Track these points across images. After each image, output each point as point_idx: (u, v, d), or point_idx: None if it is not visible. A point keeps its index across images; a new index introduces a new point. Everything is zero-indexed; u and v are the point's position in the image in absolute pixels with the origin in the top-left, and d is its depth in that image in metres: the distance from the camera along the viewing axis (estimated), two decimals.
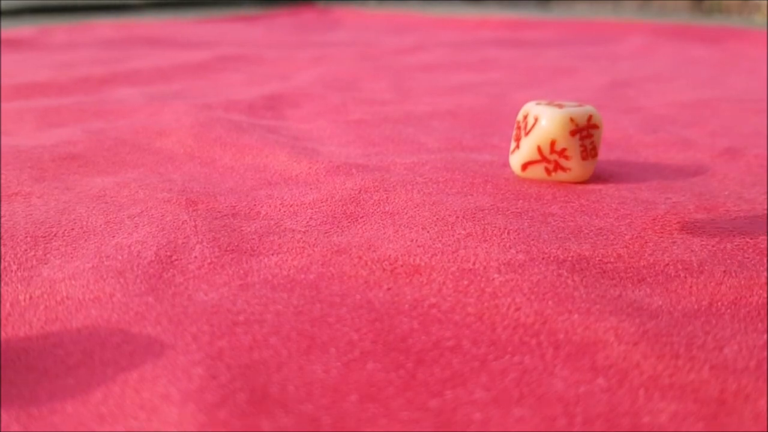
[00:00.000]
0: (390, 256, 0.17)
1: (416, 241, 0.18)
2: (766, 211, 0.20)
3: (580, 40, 0.71)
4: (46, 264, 0.17)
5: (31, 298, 0.16)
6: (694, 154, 0.27)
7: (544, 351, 0.13)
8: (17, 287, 0.16)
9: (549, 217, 0.20)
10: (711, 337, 0.14)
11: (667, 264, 0.17)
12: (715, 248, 0.18)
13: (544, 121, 0.22)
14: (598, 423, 0.11)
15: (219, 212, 0.20)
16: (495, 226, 0.19)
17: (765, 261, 0.17)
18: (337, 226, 0.19)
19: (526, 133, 0.23)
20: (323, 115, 0.34)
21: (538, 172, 0.23)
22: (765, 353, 0.13)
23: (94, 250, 0.18)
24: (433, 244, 0.18)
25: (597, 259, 0.17)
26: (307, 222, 0.19)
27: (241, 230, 0.19)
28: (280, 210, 0.20)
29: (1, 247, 0.18)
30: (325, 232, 0.19)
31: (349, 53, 0.57)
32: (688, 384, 0.12)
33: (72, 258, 0.17)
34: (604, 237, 0.18)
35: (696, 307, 0.15)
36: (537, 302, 0.15)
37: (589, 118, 0.23)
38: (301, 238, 0.18)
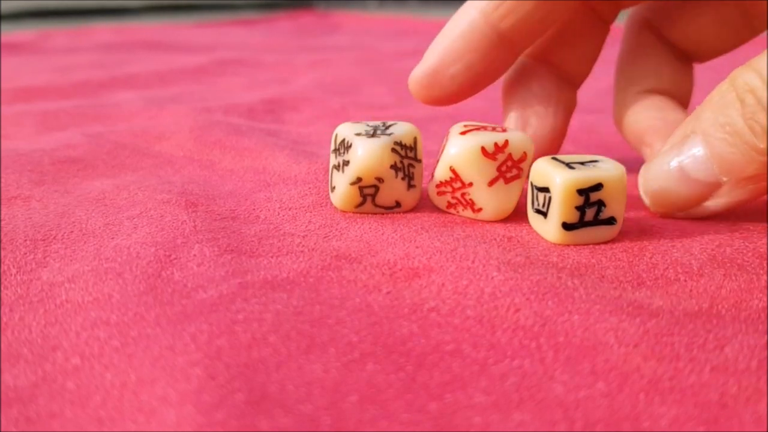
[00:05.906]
0: (389, 260, 0.17)
1: (415, 241, 0.18)
2: (765, 215, 0.20)
3: None
4: (45, 267, 0.17)
5: (30, 301, 0.15)
6: None
7: (544, 354, 0.13)
8: (17, 290, 0.16)
9: None
10: (712, 336, 0.14)
11: (667, 267, 0.17)
12: (714, 252, 0.18)
13: None
14: (598, 428, 0.11)
15: (218, 215, 0.20)
16: (494, 233, 0.19)
17: (765, 264, 0.17)
18: (336, 228, 0.19)
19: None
20: (322, 119, 0.34)
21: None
22: (765, 353, 0.13)
23: (93, 252, 0.18)
24: (432, 243, 0.18)
25: (596, 264, 0.17)
26: (306, 226, 0.19)
27: (241, 232, 0.19)
28: (279, 213, 0.20)
29: (1, 250, 0.18)
30: (324, 236, 0.19)
31: (349, 57, 0.57)
32: (688, 387, 0.12)
33: (71, 260, 0.17)
34: (603, 242, 0.18)
35: (697, 308, 0.15)
36: (537, 303, 0.15)
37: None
38: (300, 242, 0.18)
